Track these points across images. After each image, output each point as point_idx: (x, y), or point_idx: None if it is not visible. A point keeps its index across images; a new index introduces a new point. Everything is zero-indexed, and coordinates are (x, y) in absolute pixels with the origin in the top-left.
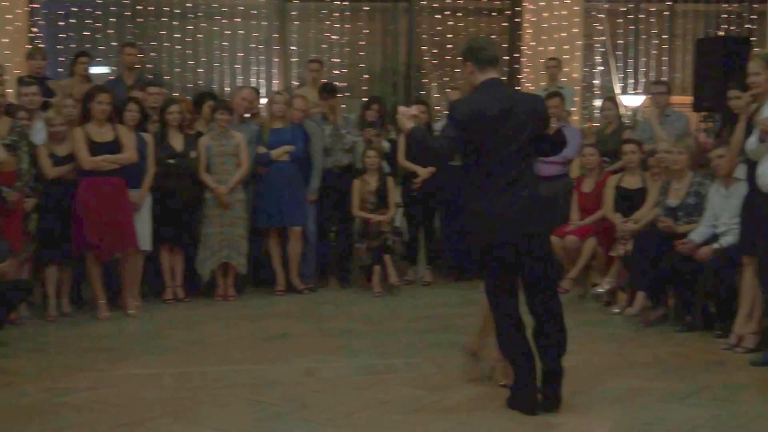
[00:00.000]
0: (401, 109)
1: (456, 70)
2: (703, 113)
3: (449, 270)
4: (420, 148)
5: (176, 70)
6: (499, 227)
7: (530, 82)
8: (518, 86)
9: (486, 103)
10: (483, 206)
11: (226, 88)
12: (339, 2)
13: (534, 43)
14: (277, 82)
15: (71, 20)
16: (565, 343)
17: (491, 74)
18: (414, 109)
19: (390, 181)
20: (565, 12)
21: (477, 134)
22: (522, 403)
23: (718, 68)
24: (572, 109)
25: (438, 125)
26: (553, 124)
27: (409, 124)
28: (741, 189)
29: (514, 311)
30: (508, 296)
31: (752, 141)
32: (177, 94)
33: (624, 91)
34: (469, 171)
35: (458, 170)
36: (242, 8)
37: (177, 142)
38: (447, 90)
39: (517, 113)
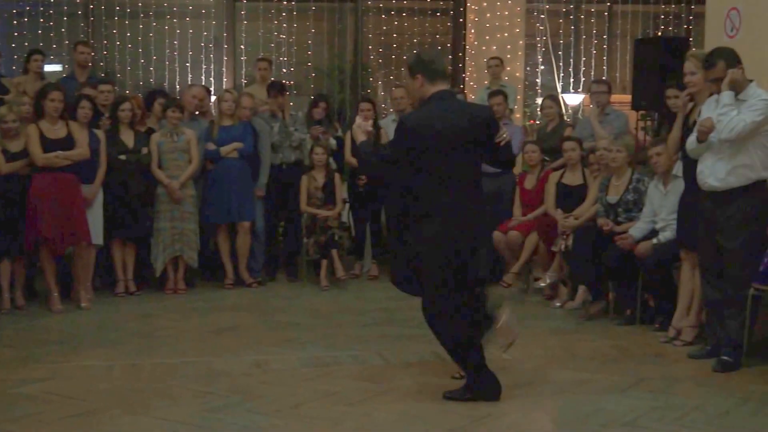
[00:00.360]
0: (359, 121)
1: (402, 69)
2: (642, 112)
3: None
4: (361, 162)
5: (128, 68)
6: (460, 239)
7: (474, 81)
8: (462, 84)
9: (438, 116)
10: (442, 219)
11: (176, 86)
12: (287, 2)
13: (477, 43)
14: (226, 80)
15: (24, 19)
16: None
17: (441, 86)
18: (370, 125)
19: (337, 177)
20: (507, 12)
21: (428, 146)
22: (488, 393)
23: (656, 68)
24: (514, 107)
25: (383, 122)
26: (504, 134)
27: (361, 137)
28: (679, 186)
29: (469, 313)
30: (461, 300)
31: (692, 140)
32: (128, 92)
33: (565, 90)
34: (419, 183)
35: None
36: (192, 8)
37: (128, 138)
38: (393, 88)
39: (467, 124)
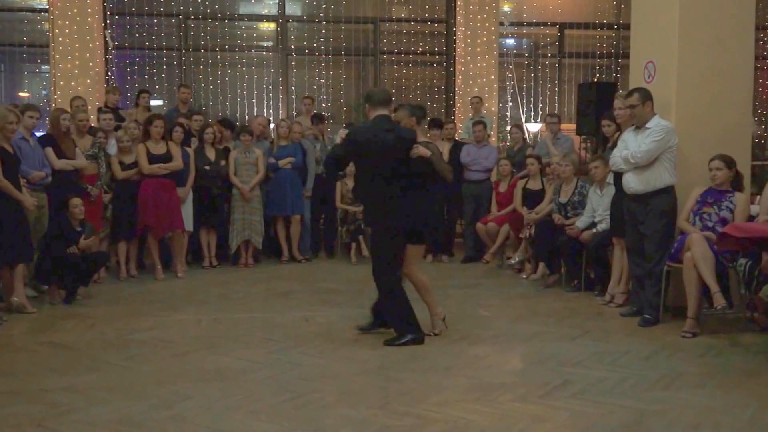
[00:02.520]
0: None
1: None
2: (583, 136)
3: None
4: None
5: (210, 102)
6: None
7: (461, 114)
8: (452, 116)
9: (371, 131)
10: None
11: (245, 116)
12: (325, 56)
13: (463, 86)
14: (281, 112)
15: (135, 66)
16: None
17: (381, 111)
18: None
19: None
20: (485, 63)
21: (360, 151)
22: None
23: (593, 104)
24: (491, 132)
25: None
26: (417, 150)
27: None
28: (611, 190)
29: None
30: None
31: (614, 161)
32: (211, 120)
33: (527, 120)
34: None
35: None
36: (256, 59)
37: (211, 154)
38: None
39: (393, 141)
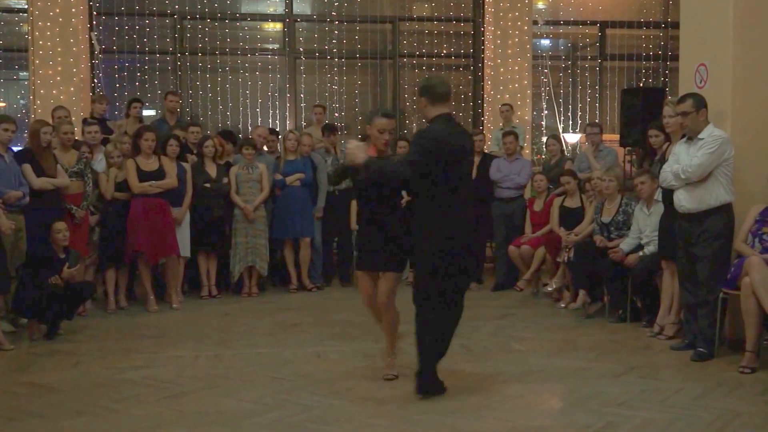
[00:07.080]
0: (352, 143)
1: None
2: (628, 148)
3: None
4: (379, 175)
5: (209, 113)
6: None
7: (490, 123)
8: (481, 126)
9: (449, 134)
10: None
11: (249, 128)
12: (338, 59)
13: (492, 92)
14: (289, 123)
15: (125, 73)
16: None
17: (442, 109)
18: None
19: None
20: (516, 67)
21: (445, 158)
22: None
23: (639, 112)
24: (524, 144)
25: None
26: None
27: (361, 157)
28: (659, 208)
29: None
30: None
31: (664, 177)
32: (209, 132)
33: (565, 130)
34: (433, 191)
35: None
36: (260, 64)
37: (211, 170)
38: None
39: (469, 145)
